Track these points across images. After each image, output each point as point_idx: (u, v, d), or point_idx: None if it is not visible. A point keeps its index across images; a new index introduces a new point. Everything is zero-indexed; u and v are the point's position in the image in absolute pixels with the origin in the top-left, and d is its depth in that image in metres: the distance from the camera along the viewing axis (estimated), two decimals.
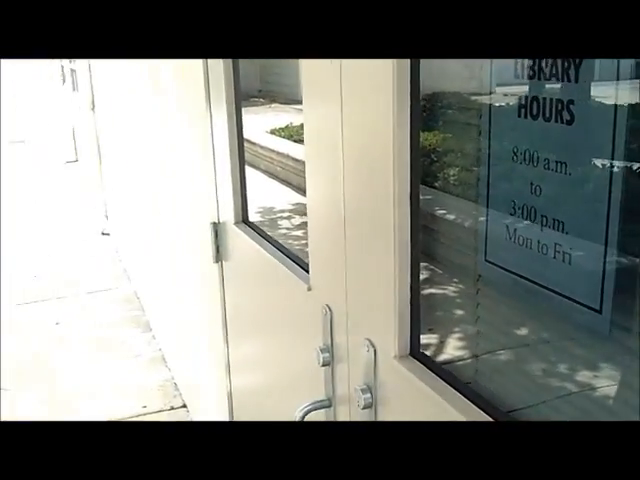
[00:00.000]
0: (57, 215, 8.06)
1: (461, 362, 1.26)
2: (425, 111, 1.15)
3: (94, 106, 6.82)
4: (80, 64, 8.07)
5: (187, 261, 2.91)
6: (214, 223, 2.23)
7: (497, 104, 0.97)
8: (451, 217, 1.31)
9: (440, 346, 1.32)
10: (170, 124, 2.89)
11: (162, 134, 3.16)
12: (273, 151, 6.73)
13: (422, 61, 1.04)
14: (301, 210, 1.61)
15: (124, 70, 4.11)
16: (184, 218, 2.86)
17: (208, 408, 2.93)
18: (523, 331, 1.15)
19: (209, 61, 2.11)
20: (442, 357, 1.29)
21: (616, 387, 0.93)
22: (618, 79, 0.71)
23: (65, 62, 12.39)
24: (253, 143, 6.75)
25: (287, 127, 7.79)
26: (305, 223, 1.50)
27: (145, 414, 3.66)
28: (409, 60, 1.03)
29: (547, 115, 0.80)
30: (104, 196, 7.14)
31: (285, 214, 4.35)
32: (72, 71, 11.24)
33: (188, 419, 3.55)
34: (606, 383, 0.94)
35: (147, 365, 4.22)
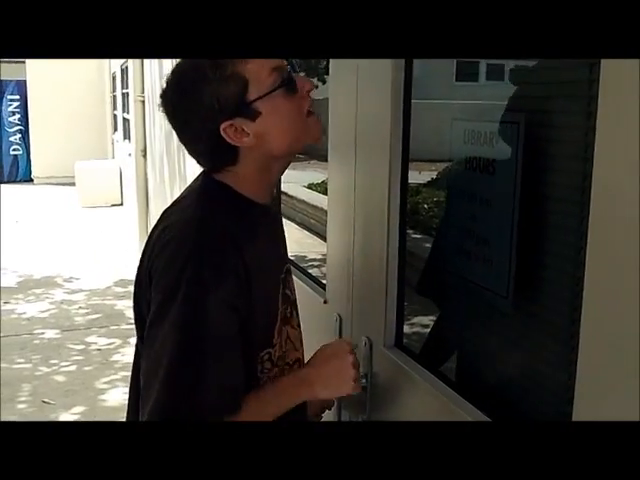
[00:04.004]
0: (102, 252, 8.56)
1: None
2: None
3: (145, 153, 7.37)
4: (133, 113, 8.62)
5: None
6: None
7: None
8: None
9: None
10: None
11: None
12: (308, 204, 7.12)
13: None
14: None
15: None
16: None
17: None
18: None
19: None
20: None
21: None
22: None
23: (118, 111, 13.17)
24: (291, 197, 7.15)
25: (323, 182, 8.23)
26: None
27: None
28: (401, 137, 1.42)
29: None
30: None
31: (316, 263, 4.73)
32: (125, 120, 11.96)
33: None
34: None
35: None
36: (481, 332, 1.36)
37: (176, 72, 1.26)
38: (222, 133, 1.21)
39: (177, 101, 1.25)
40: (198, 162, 1.31)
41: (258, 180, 1.29)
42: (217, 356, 1.15)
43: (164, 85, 1.27)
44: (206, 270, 1.15)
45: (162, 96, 1.27)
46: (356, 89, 1.60)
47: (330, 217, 1.85)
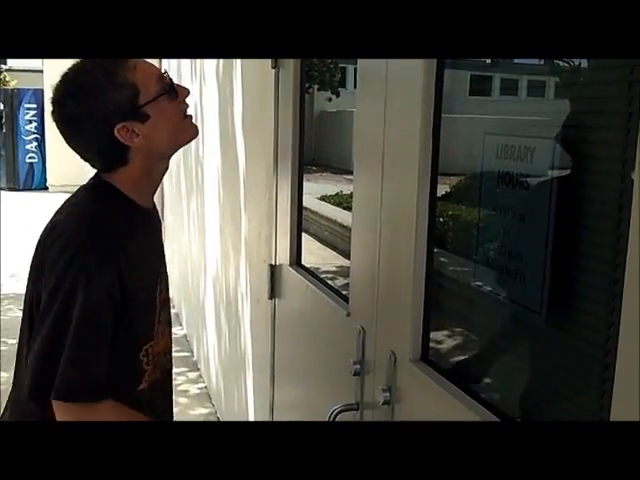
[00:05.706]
0: None
1: None
2: None
3: None
4: None
5: (241, 300, 3.31)
6: (271, 265, 2.64)
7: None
8: None
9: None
10: (240, 183, 3.34)
11: (230, 192, 3.62)
12: (322, 216, 7.11)
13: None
14: (345, 272, 1.97)
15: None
16: (242, 262, 3.28)
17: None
18: None
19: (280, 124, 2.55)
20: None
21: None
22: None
23: None
24: (305, 208, 7.13)
25: (337, 194, 8.21)
26: (346, 284, 1.91)
27: None
28: (431, 151, 1.42)
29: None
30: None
31: (330, 275, 4.73)
32: None
33: None
34: None
35: (192, 400, 4.59)
36: (513, 348, 1.34)
37: (68, 81, 1.38)
38: (116, 134, 1.36)
39: (72, 107, 1.38)
40: (92, 165, 1.46)
41: (141, 182, 1.46)
42: (90, 341, 1.33)
43: (55, 93, 1.40)
44: (91, 260, 1.32)
45: (55, 103, 1.40)
46: (384, 102, 1.60)
47: (354, 230, 1.85)
